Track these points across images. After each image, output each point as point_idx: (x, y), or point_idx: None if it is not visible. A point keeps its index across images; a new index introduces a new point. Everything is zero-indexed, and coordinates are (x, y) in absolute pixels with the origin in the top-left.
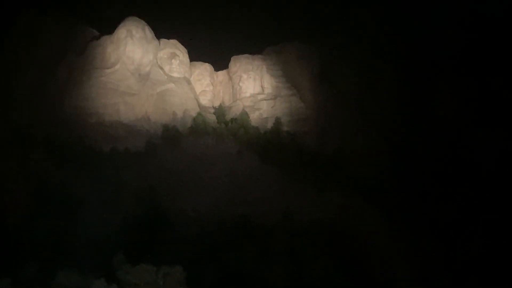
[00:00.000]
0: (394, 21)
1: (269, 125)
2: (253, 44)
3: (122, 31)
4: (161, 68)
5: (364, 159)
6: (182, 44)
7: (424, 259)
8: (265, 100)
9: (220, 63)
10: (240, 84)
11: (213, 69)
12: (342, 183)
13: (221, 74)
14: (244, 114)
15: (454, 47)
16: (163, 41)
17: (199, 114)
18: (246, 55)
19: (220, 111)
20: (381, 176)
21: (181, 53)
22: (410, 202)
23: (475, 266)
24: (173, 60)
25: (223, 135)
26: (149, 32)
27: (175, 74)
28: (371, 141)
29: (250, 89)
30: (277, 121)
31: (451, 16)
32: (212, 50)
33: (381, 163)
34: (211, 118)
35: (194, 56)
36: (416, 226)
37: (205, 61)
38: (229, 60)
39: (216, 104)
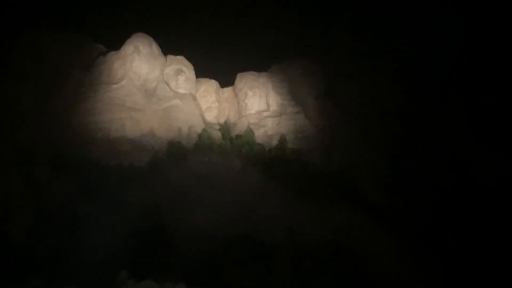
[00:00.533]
0: (399, 39)
1: (274, 142)
2: (259, 61)
3: (129, 47)
4: (167, 84)
5: (369, 176)
6: (189, 60)
7: (429, 277)
8: (270, 117)
9: (226, 80)
10: (246, 101)
11: (219, 85)
12: (347, 200)
13: (227, 90)
14: (249, 131)
15: (458, 64)
16: (170, 57)
17: (204, 130)
18: (252, 72)
19: (225, 128)
20: (386, 193)
21: (188, 70)
22: (415, 220)
23: (483, 284)
24: (179, 76)
25: (228, 151)
26: (156, 48)
27: (181, 90)
28: (376, 158)
29: (255, 106)
30: (282, 138)
31: (455, 32)
32: (218, 67)
33: (386, 181)
34: (217, 134)
35: (200, 72)
36: (422, 243)
37: (211, 78)
38: (235, 77)
39: (222, 120)
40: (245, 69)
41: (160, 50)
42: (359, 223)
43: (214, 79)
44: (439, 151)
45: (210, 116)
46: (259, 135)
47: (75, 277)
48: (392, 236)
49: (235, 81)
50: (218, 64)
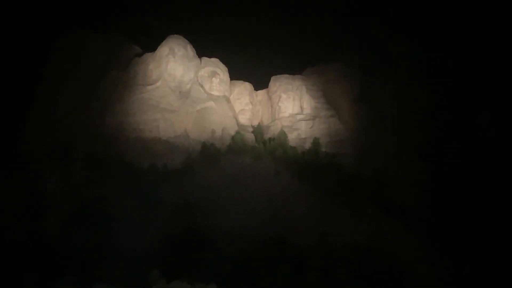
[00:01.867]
0: (435, 43)
1: (307, 145)
2: (293, 64)
3: (164, 49)
4: (202, 86)
5: (403, 181)
6: (223, 62)
7: (462, 284)
8: (303, 120)
9: (260, 83)
10: (279, 104)
11: (253, 88)
12: (380, 205)
13: (261, 93)
14: (283, 134)
15: (496, 68)
16: (204, 59)
17: (237, 132)
18: (286, 75)
19: (258, 130)
20: (419, 199)
21: (222, 72)
22: (449, 226)
23: None
24: (213, 79)
25: (261, 154)
26: (191, 50)
27: (215, 92)
28: (409, 163)
29: (289, 109)
30: (315, 142)
31: (493, 36)
32: (252, 69)
33: (420, 186)
34: (250, 137)
35: (235, 75)
36: (455, 250)
37: (245, 80)
38: (269, 80)
39: (255, 123)
40: (279, 72)
41: (195, 52)
42: (392, 227)
43: (248, 81)
44: (475, 156)
45: (244, 119)
46: (292, 138)
47: (108, 274)
48: (425, 241)
49: (269, 84)
50: (252, 67)
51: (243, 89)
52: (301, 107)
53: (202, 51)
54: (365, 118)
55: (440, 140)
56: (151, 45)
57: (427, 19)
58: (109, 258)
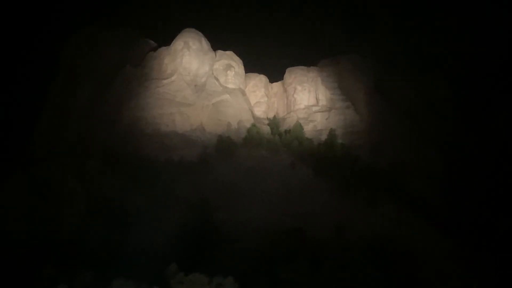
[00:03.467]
0: (450, 32)
1: (323, 137)
2: (308, 56)
3: (179, 43)
4: (217, 79)
5: (419, 173)
6: (238, 55)
7: (481, 277)
8: (319, 112)
9: (275, 75)
10: (295, 95)
11: (268, 80)
12: (397, 197)
13: (276, 85)
14: (298, 126)
15: None
16: (219, 52)
17: (253, 125)
18: (301, 66)
19: (274, 123)
20: (436, 190)
21: (237, 65)
22: (467, 218)
23: None
24: (228, 72)
25: (277, 146)
26: (205, 44)
27: (230, 85)
28: (426, 155)
29: (304, 100)
30: (331, 134)
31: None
32: (267, 62)
33: (437, 178)
34: (265, 129)
35: (250, 67)
36: (474, 242)
37: (260, 73)
38: (284, 72)
39: (271, 115)
40: (294, 63)
41: (210, 45)
42: (408, 220)
43: (263, 74)
44: (492, 148)
45: (259, 111)
46: (308, 130)
47: (125, 269)
48: (442, 235)
49: (284, 76)
50: (267, 59)
51: (258, 81)
52: (317, 99)
53: (217, 44)
54: (381, 109)
55: (457, 131)
56: (166, 39)
57: (445, 9)
58: (127, 253)
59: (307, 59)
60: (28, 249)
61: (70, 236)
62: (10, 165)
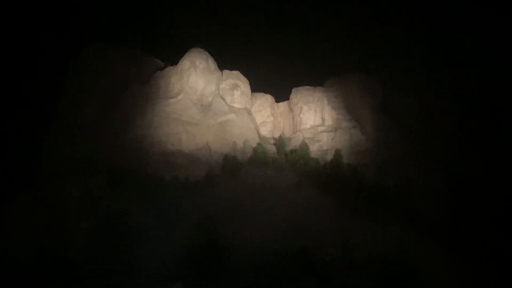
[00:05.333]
0: (456, 52)
1: (329, 157)
2: (314, 76)
3: (186, 62)
4: (223, 99)
5: (425, 193)
6: (244, 75)
7: None
8: (325, 132)
9: (281, 94)
10: (301, 115)
11: (274, 100)
12: (403, 217)
13: (282, 105)
14: (304, 145)
15: None
16: (226, 72)
17: (259, 144)
18: (307, 86)
19: (280, 142)
20: (442, 210)
21: (243, 84)
22: (473, 238)
23: None
24: (234, 91)
25: (283, 166)
26: (212, 63)
27: (236, 105)
28: (432, 174)
29: (310, 120)
30: (337, 153)
31: None
32: (273, 81)
33: (443, 197)
34: (271, 149)
35: (256, 87)
36: (480, 262)
37: (266, 92)
38: (290, 92)
39: (276, 135)
40: (300, 83)
41: (216, 65)
42: (415, 240)
43: (269, 93)
44: (499, 166)
45: (265, 131)
46: (314, 149)
47: (131, 287)
48: (449, 254)
49: (290, 96)
50: (273, 79)
51: (264, 101)
52: (323, 119)
53: (224, 63)
54: (387, 129)
55: (463, 151)
56: (173, 59)
57: (449, 28)
58: (131, 271)
59: (313, 79)
60: (35, 267)
61: (75, 254)
62: (17, 182)
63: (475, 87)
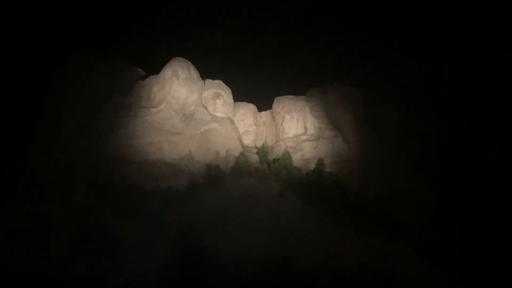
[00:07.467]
0: (436, 63)
1: (312, 166)
2: (296, 85)
3: (168, 71)
4: (205, 108)
5: (407, 201)
6: (227, 84)
7: None
8: (307, 141)
9: (263, 104)
10: (283, 124)
11: (256, 109)
12: (385, 225)
13: (265, 114)
14: (287, 154)
15: (497, 87)
16: (208, 81)
17: (241, 154)
18: (290, 96)
19: (262, 151)
20: (424, 219)
21: (225, 93)
22: (455, 246)
23: None
24: (217, 100)
25: (266, 175)
26: (194, 73)
27: (219, 114)
28: (414, 183)
29: (293, 129)
30: (320, 162)
31: (494, 57)
32: (256, 91)
33: (424, 206)
34: (254, 158)
35: (238, 96)
36: (462, 270)
37: (249, 102)
38: (272, 101)
39: (259, 144)
40: (282, 92)
41: (199, 74)
42: (397, 248)
43: (252, 103)
44: (481, 174)
45: (248, 140)
46: (297, 158)
47: None
48: (431, 263)
49: (273, 105)
50: (255, 88)
51: (247, 110)
52: (305, 128)
53: (206, 73)
54: (369, 138)
55: (445, 160)
56: (155, 68)
57: (430, 39)
58: (114, 282)
59: (295, 88)
60: (16, 279)
61: (56, 265)
62: None
63: (456, 96)
